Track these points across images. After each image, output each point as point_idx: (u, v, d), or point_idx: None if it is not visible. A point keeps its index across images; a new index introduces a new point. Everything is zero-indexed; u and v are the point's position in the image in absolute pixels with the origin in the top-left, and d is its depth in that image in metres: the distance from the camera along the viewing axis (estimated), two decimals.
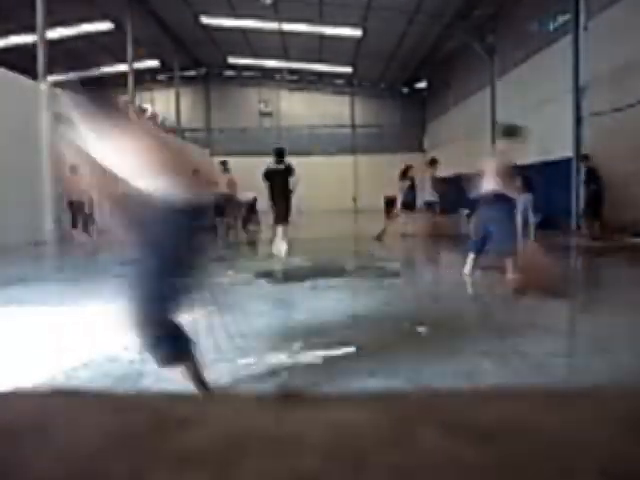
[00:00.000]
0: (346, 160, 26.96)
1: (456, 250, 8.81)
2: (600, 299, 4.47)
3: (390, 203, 25.88)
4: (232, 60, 24.94)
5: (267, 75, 27.05)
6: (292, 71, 26.31)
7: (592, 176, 9.65)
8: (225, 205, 10.83)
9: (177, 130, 22.80)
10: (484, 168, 5.11)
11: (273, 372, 2.44)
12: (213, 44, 22.44)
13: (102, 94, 2.06)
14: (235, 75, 27.14)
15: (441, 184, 11.08)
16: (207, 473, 0.31)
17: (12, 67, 10.47)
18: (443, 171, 13.07)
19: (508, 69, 15.43)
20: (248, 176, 13.02)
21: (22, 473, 0.32)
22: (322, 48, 21.52)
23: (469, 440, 0.34)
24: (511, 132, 5.06)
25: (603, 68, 10.46)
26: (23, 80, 10.74)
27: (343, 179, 26.83)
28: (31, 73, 11.15)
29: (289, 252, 7.38)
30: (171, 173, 1.95)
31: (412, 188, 10.63)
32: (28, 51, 14.05)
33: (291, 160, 7.88)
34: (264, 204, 8.17)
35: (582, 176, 10.42)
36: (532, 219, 9.53)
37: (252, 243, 10.21)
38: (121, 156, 1.94)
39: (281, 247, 7.38)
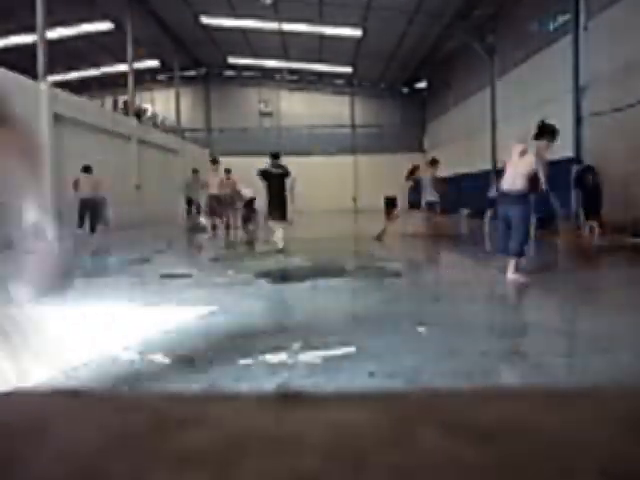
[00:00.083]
0: (346, 160, 26.96)
1: (456, 250, 8.81)
2: (600, 299, 4.47)
3: (390, 203, 25.96)
4: (232, 60, 24.95)
5: (267, 75, 27.05)
6: (292, 71, 26.31)
7: (587, 177, 9.70)
8: (217, 205, 10.71)
9: (177, 130, 22.81)
10: (515, 165, 5.03)
11: (273, 372, 2.44)
12: (213, 44, 22.44)
13: None
14: (235, 75, 27.14)
15: (442, 184, 11.10)
16: (207, 473, 0.31)
17: (12, 67, 10.46)
18: (443, 171, 13.07)
19: (508, 69, 15.43)
20: (248, 176, 13.05)
21: (22, 473, 0.32)
22: (322, 48, 21.53)
23: (469, 440, 0.34)
24: (554, 131, 5.00)
25: (603, 68, 10.46)
26: (23, 80, 10.73)
27: (343, 179, 26.83)
28: (31, 73, 11.14)
29: (285, 250, 7.92)
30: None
31: (416, 188, 10.67)
32: (28, 51, 14.04)
33: (292, 160, 8.12)
34: (262, 203, 8.73)
35: (573, 175, 10.47)
36: (533, 219, 9.53)
37: (252, 243, 10.21)
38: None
39: (279, 243, 8.06)
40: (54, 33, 16.43)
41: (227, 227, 12.49)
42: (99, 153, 12.93)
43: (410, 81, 26.01)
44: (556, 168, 11.95)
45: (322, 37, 20.01)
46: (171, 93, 23.60)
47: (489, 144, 16.93)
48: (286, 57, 23.45)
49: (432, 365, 2.53)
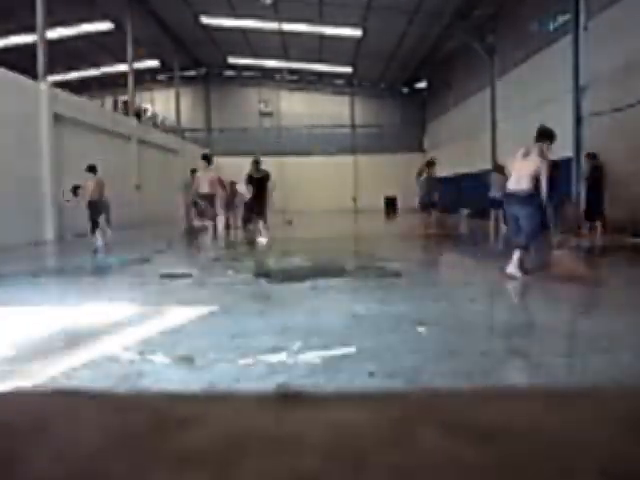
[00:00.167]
0: (346, 160, 26.97)
1: (456, 250, 8.81)
2: (600, 299, 4.47)
3: (390, 203, 26.00)
4: (232, 60, 24.95)
5: (267, 75, 27.06)
6: (292, 71, 26.32)
7: (597, 174, 9.61)
8: (205, 206, 10.02)
9: (177, 130, 22.81)
10: (519, 166, 5.18)
11: (273, 372, 2.44)
12: (213, 44, 22.45)
13: None
14: (235, 75, 27.15)
15: (439, 184, 11.18)
16: (207, 473, 0.31)
17: (12, 67, 10.46)
18: (443, 171, 13.08)
19: (508, 69, 15.43)
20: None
21: (22, 473, 0.32)
22: (322, 48, 21.53)
23: (469, 440, 0.34)
24: (553, 135, 5.25)
25: (603, 68, 10.46)
26: (23, 80, 10.73)
27: (343, 179, 26.83)
28: (31, 73, 11.14)
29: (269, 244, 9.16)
30: None
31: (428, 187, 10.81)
32: (28, 51, 14.04)
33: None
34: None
35: (584, 173, 10.37)
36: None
37: (252, 243, 10.21)
38: None
39: (263, 239, 9.43)
40: (54, 33, 16.43)
41: (227, 227, 12.49)
42: (99, 153, 12.92)
43: (410, 81, 26.02)
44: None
45: (322, 37, 20.02)
46: (171, 93, 23.61)
47: (489, 144, 16.93)
48: (286, 57, 23.45)
49: (432, 365, 2.53)
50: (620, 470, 0.31)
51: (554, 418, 0.38)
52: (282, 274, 5.76)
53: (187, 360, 2.63)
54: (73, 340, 3.10)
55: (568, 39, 11.64)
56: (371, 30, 18.43)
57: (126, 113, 18.21)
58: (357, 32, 18.86)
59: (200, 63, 25.86)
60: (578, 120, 11.37)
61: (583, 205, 10.06)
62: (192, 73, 26.07)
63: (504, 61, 15.77)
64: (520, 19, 14.40)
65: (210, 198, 10.01)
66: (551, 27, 12.74)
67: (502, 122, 16.15)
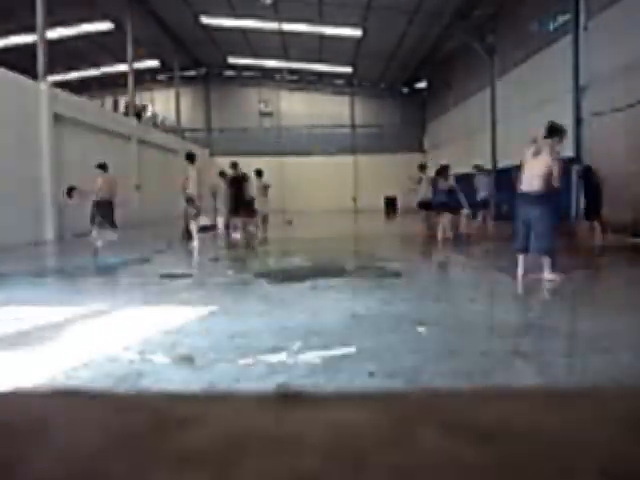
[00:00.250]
0: (346, 160, 26.97)
1: (456, 249, 8.81)
2: (600, 299, 4.47)
3: (390, 203, 25.99)
4: (232, 60, 24.95)
5: (267, 75, 27.06)
6: (292, 71, 26.32)
7: (590, 178, 9.67)
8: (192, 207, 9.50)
9: (177, 130, 22.82)
10: (530, 166, 5.10)
11: (273, 372, 2.44)
12: (213, 44, 22.45)
13: None
14: (235, 75, 27.15)
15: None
16: (207, 473, 0.31)
17: (12, 67, 10.46)
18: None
19: (508, 69, 15.43)
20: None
21: (22, 473, 0.32)
22: (322, 48, 21.53)
23: (469, 440, 0.34)
24: (563, 131, 5.20)
25: (603, 68, 10.46)
26: (23, 80, 10.73)
27: (343, 179, 26.83)
28: (31, 73, 11.14)
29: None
30: None
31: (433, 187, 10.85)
32: (28, 51, 14.04)
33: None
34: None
35: (574, 177, 10.49)
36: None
37: (251, 243, 10.21)
38: None
39: (237, 235, 10.81)
40: (54, 33, 16.43)
41: (227, 227, 12.48)
42: (99, 153, 12.91)
43: (410, 81, 26.01)
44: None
45: (322, 37, 20.02)
46: (171, 93, 23.61)
47: (489, 144, 16.93)
48: (286, 57, 23.45)
49: (432, 365, 2.53)
50: (620, 470, 0.31)
51: (554, 418, 0.38)
52: (282, 274, 5.76)
53: (187, 360, 2.63)
54: (73, 340, 3.10)
55: (568, 39, 11.64)
56: (371, 30, 18.43)
57: (126, 114, 18.21)
58: (357, 32, 18.86)
59: (200, 63, 25.86)
60: (578, 120, 11.37)
61: (582, 205, 10.07)
62: (192, 73, 26.07)
63: (504, 61, 15.77)
64: (520, 19, 14.40)
65: (193, 200, 9.56)
66: (551, 27, 12.74)
67: (502, 122, 16.14)
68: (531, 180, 5.02)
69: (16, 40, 18.25)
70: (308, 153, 26.37)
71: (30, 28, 13.17)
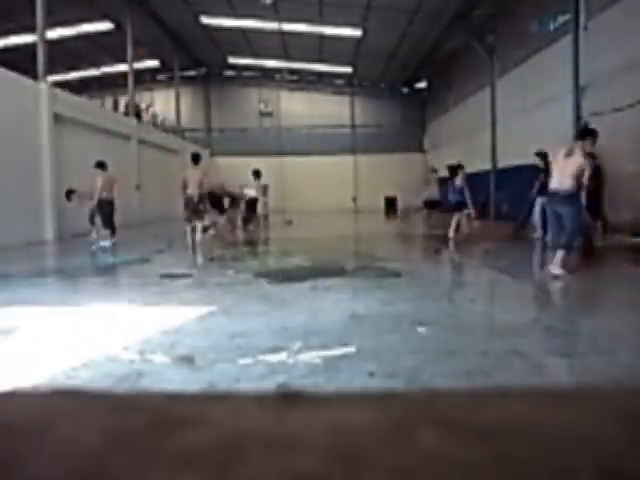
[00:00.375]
0: (346, 160, 26.97)
1: (457, 250, 8.81)
2: (600, 299, 4.47)
3: (390, 203, 25.98)
4: (232, 60, 24.94)
5: (267, 75, 27.05)
6: (292, 71, 26.31)
7: (596, 174, 9.63)
8: (193, 208, 9.38)
9: (177, 130, 22.81)
10: (562, 166, 5.24)
11: (273, 372, 2.44)
12: (213, 44, 22.44)
13: None
14: (235, 75, 27.14)
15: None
16: (207, 473, 0.31)
17: (12, 67, 10.46)
18: (441, 172, 13.11)
19: (508, 69, 15.43)
20: (247, 176, 13.08)
21: (22, 473, 0.32)
22: (322, 48, 21.53)
23: (469, 440, 0.34)
24: (595, 133, 5.32)
25: (603, 68, 10.45)
26: (23, 80, 10.73)
27: (343, 179, 26.84)
28: (31, 73, 11.14)
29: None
30: None
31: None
32: (28, 51, 14.05)
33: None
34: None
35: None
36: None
37: (252, 243, 10.20)
38: None
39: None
40: (54, 33, 16.43)
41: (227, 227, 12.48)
42: (99, 153, 12.91)
43: (410, 81, 26.01)
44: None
45: (322, 37, 20.01)
46: (171, 93, 23.61)
47: (489, 144, 16.93)
48: (286, 57, 23.45)
49: (432, 365, 2.53)
50: (620, 470, 0.31)
51: (554, 418, 0.38)
52: (282, 274, 5.76)
53: (187, 360, 2.63)
54: (73, 340, 3.10)
55: (568, 39, 11.63)
56: (371, 30, 18.43)
57: (127, 114, 18.21)
58: (357, 32, 18.86)
59: (200, 63, 25.85)
60: (578, 120, 11.36)
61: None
62: (192, 73, 26.06)
63: (504, 61, 15.77)
64: (520, 19, 14.39)
65: (200, 199, 9.47)
66: (551, 27, 12.74)
67: (502, 122, 16.14)
68: (562, 179, 5.17)
69: (16, 40, 18.25)
70: (308, 153, 26.38)
71: (30, 28, 13.17)
